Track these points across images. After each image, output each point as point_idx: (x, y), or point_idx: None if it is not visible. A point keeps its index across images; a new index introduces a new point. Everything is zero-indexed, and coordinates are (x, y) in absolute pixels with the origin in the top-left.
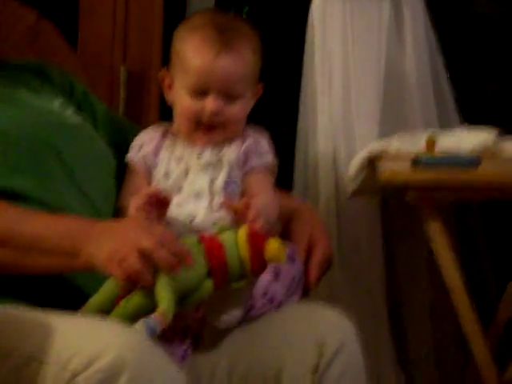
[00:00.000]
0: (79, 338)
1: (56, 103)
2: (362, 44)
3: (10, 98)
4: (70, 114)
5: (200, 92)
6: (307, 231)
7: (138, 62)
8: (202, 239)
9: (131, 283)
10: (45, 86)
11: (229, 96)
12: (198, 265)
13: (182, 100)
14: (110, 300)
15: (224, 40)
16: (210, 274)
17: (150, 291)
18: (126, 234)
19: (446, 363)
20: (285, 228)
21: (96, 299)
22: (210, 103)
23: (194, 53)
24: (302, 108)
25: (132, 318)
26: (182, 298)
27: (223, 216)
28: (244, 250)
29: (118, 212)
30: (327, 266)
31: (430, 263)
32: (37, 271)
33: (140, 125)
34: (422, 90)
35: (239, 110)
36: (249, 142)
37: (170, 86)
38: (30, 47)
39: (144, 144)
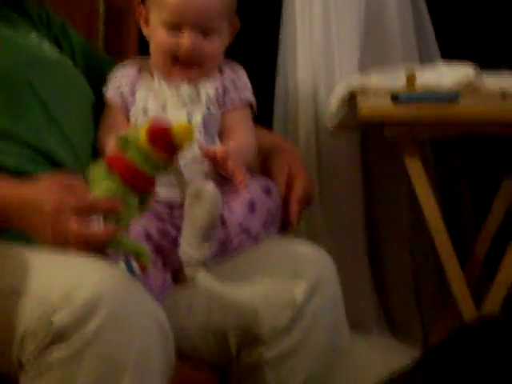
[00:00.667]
0: (57, 272)
1: (33, 37)
2: None
3: None
4: (47, 48)
5: (175, 27)
6: (286, 166)
7: None
8: (110, 167)
9: None
10: (22, 19)
11: (205, 31)
12: (127, 198)
13: (157, 35)
14: None
15: None
16: (139, 192)
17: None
18: (54, 225)
19: (424, 298)
20: (264, 164)
21: None
22: (186, 39)
23: None
24: (282, 42)
25: None
26: None
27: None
28: (153, 154)
29: (96, 149)
30: (308, 200)
31: (410, 199)
32: None
33: (119, 58)
34: (402, 23)
35: (216, 45)
36: (227, 77)
37: (147, 21)
38: None
39: (121, 80)
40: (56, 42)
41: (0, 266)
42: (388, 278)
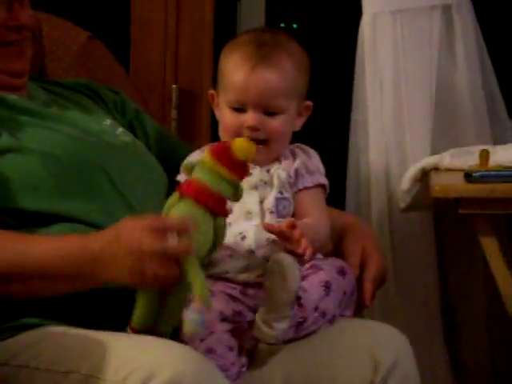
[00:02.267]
0: (136, 355)
1: (107, 123)
2: (412, 58)
3: (63, 118)
4: (121, 134)
5: (239, 107)
6: (359, 246)
7: (189, 81)
8: (181, 192)
9: (163, 287)
10: (96, 105)
11: (268, 111)
12: (201, 220)
13: (223, 116)
14: (153, 311)
15: (261, 54)
16: (212, 213)
17: (181, 285)
18: (130, 244)
19: (503, 378)
20: (337, 244)
21: (139, 314)
22: (248, 118)
23: (232, 69)
24: (353, 122)
25: (179, 313)
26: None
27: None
28: (220, 169)
29: None
30: (381, 280)
31: (486, 276)
32: (49, 296)
33: (192, 143)
34: (474, 105)
35: (280, 125)
36: (299, 160)
37: (218, 105)
38: (82, 67)
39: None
40: (130, 127)
41: (78, 350)
42: (465, 359)
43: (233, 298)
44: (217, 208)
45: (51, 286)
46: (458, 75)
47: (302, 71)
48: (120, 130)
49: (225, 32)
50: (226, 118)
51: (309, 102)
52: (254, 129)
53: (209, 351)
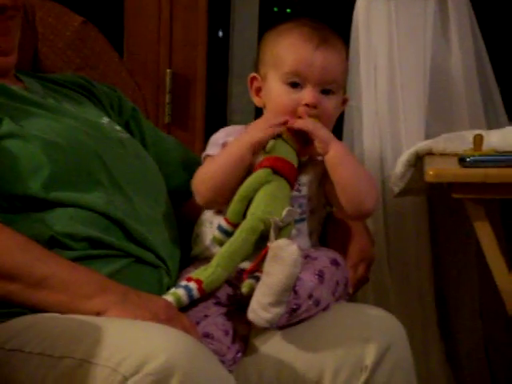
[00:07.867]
0: (130, 340)
1: (104, 120)
2: (407, 42)
3: (63, 110)
4: (118, 130)
5: (297, 84)
6: (340, 231)
7: (183, 65)
8: (272, 167)
9: None
10: (92, 104)
11: (324, 90)
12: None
13: (277, 95)
14: None
15: (322, 36)
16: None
17: None
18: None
19: (496, 362)
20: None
21: None
22: (307, 96)
23: (291, 47)
24: (347, 108)
25: None
26: None
27: None
28: (296, 146)
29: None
30: (366, 263)
31: (479, 260)
32: (42, 308)
33: (186, 128)
34: (468, 89)
35: (333, 105)
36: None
37: (259, 90)
38: (75, 52)
39: (227, 134)
40: (127, 127)
41: (72, 334)
42: (459, 343)
43: (228, 283)
44: (294, 181)
45: (45, 296)
46: (453, 61)
47: (347, 62)
48: (117, 127)
49: (219, 16)
50: (281, 95)
51: (347, 95)
52: (312, 106)
53: (206, 335)
